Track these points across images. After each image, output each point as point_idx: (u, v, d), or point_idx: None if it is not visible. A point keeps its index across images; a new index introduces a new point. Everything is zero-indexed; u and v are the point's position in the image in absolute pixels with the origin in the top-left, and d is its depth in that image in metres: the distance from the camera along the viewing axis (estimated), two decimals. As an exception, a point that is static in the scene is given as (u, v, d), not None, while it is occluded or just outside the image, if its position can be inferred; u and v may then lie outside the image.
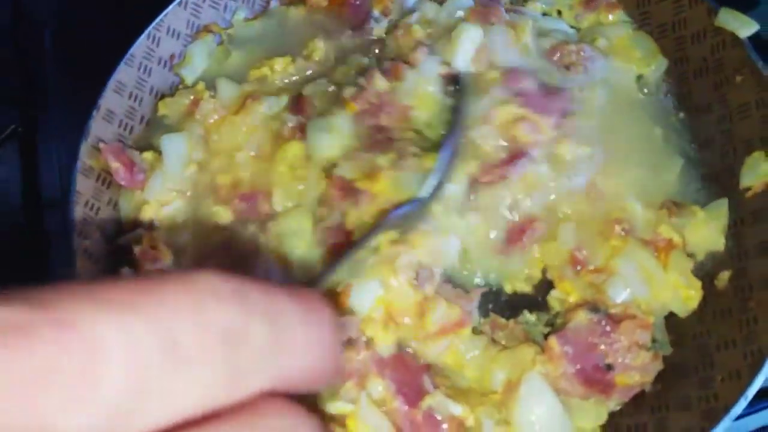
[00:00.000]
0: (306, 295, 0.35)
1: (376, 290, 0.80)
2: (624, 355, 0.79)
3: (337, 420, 0.78)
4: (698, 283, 0.84)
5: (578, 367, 0.79)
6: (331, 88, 0.96)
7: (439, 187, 0.84)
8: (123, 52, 0.96)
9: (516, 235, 0.88)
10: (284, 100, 0.96)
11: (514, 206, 0.89)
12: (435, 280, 0.83)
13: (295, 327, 0.33)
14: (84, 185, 0.89)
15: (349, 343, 0.80)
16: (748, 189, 0.86)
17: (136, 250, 0.88)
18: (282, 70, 1.01)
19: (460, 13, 1.00)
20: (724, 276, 0.84)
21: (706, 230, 0.87)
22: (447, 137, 0.87)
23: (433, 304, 0.82)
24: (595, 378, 0.79)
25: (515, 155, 0.88)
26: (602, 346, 0.80)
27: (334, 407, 0.78)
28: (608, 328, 0.81)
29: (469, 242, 0.88)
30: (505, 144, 0.89)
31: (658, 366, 0.81)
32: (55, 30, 1.22)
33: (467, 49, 0.94)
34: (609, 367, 0.80)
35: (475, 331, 0.85)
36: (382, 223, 0.82)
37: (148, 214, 0.93)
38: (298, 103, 0.95)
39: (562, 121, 0.91)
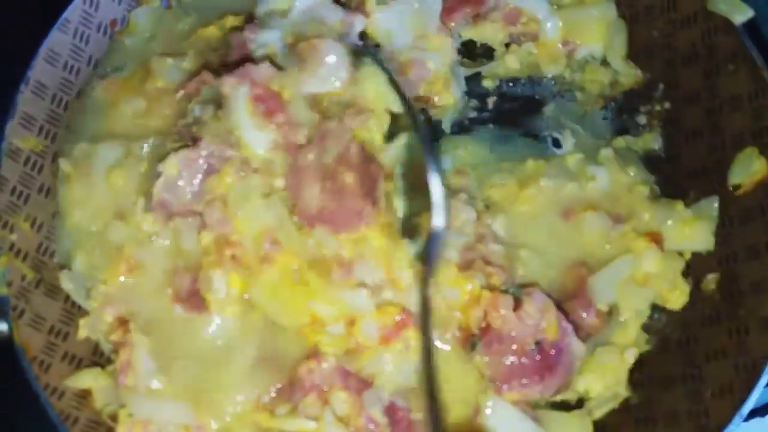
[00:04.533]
0: None
1: None
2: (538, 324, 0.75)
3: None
4: None
5: (516, 360, 0.74)
6: None
7: None
8: (54, 16, 0.83)
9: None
10: None
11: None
12: None
13: None
14: (10, 169, 0.78)
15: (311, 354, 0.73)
16: (738, 187, 0.81)
17: None
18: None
19: None
20: (712, 279, 0.80)
21: (693, 229, 0.82)
22: None
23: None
24: (537, 362, 0.75)
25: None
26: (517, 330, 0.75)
27: (292, 424, 0.71)
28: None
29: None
30: None
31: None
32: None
33: None
34: (538, 344, 0.75)
35: None
36: None
37: None
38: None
39: None
